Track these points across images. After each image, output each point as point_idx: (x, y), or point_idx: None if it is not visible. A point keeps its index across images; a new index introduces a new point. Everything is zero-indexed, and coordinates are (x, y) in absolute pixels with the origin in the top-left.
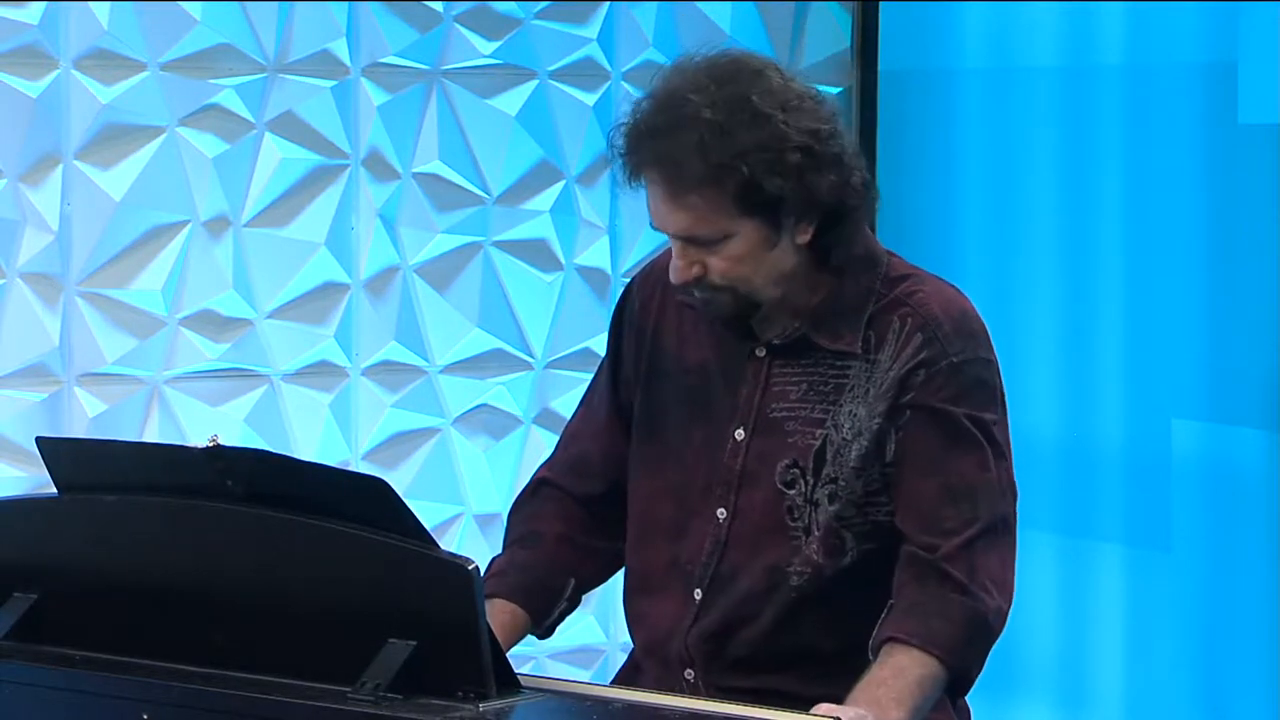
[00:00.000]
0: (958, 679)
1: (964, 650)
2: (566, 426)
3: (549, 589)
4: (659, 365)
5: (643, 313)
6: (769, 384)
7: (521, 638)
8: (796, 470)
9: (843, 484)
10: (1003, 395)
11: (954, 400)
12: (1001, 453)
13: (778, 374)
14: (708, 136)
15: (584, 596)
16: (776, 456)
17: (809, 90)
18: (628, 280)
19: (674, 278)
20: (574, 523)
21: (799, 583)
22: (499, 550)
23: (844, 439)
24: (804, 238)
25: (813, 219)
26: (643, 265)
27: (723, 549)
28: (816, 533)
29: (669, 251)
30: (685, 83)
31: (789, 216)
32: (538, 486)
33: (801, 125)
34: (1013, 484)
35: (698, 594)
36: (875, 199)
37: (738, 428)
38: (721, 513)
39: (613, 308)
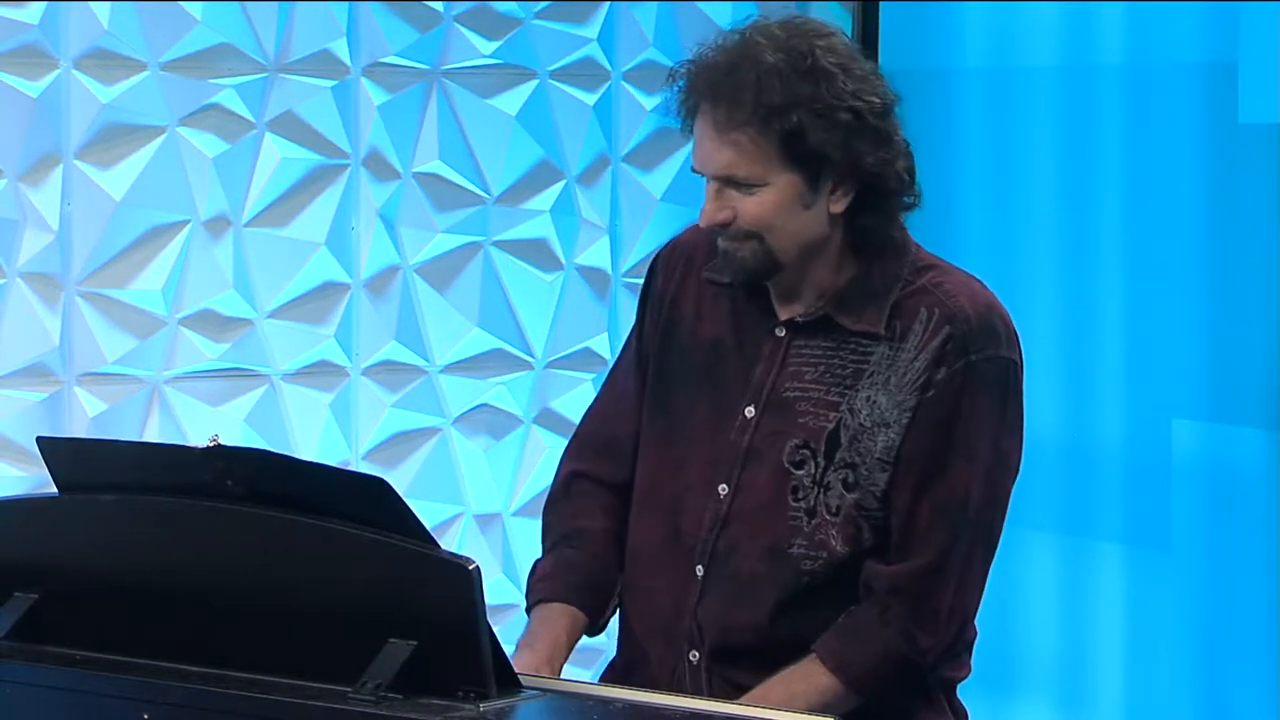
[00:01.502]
0: (873, 704)
1: (874, 684)
2: (588, 411)
3: (602, 586)
4: (673, 339)
5: (664, 287)
6: (785, 363)
7: (580, 638)
8: (807, 451)
9: (864, 473)
10: (1018, 392)
11: (966, 403)
12: (1001, 461)
13: (795, 354)
14: (765, 78)
15: None
16: (786, 436)
17: (873, 67)
18: (629, 279)
19: (703, 220)
20: (615, 515)
21: (811, 567)
22: (499, 550)
23: (860, 424)
24: (838, 207)
25: (850, 188)
26: (668, 241)
27: (722, 525)
28: (829, 516)
29: (693, 228)
30: (755, 31)
31: (828, 178)
32: (570, 482)
33: (858, 90)
34: (1004, 496)
35: (699, 570)
36: (918, 201)
37: (748, 405)
38: (723, 489)
39: (612, 307)
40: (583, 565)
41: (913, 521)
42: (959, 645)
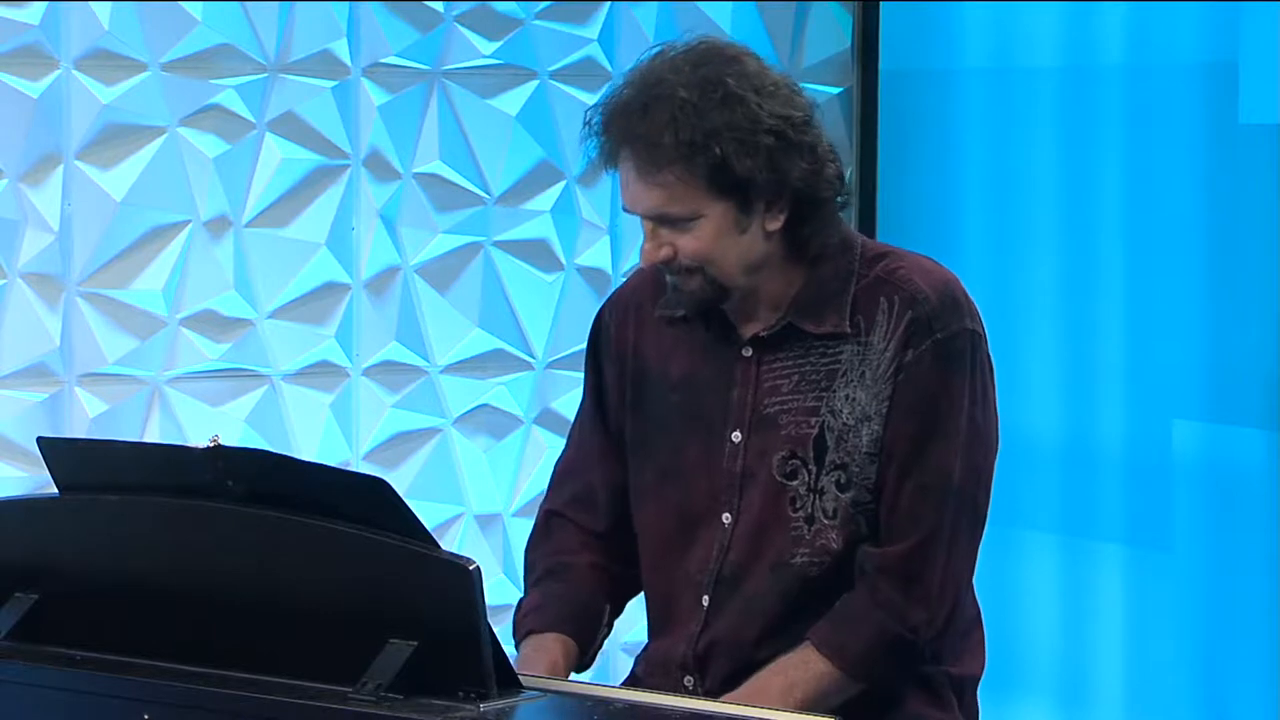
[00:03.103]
0: (873, 688)
1: (871, 666)
2: (558, 464)
3: (590, 616)
4: (645, 387)
5: (619, 338)
6: (760, 381)
7: (573, 670)
8: (797, 461)
9: (855, 470)
10: (988, 364)
11: (938, 381)
12: (978, 435)
13: (768, 370)
14: (680, 115)
15: None
16: (773, 450)
17: (785, 79)
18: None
19: (643, 259)
20: (597, 550)
21: (817, 573)
22: (499, 551)
23: (845, 424)
24: (774, 225)
25: (783, 206)
26: (608, 298)
27: (726, 552)
28: (826, 520)
29: (635, 274)
30: (662, 65)
31: (759, 201)
32: (549, 520)
33: (775, 110)
34: (986, 468)
35: (705, 600)
36: (849, 200)
37: (734, 431)
38: (727, 518)
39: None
40: (569, 597)
41: (898, 503)
42: (954, 629)
